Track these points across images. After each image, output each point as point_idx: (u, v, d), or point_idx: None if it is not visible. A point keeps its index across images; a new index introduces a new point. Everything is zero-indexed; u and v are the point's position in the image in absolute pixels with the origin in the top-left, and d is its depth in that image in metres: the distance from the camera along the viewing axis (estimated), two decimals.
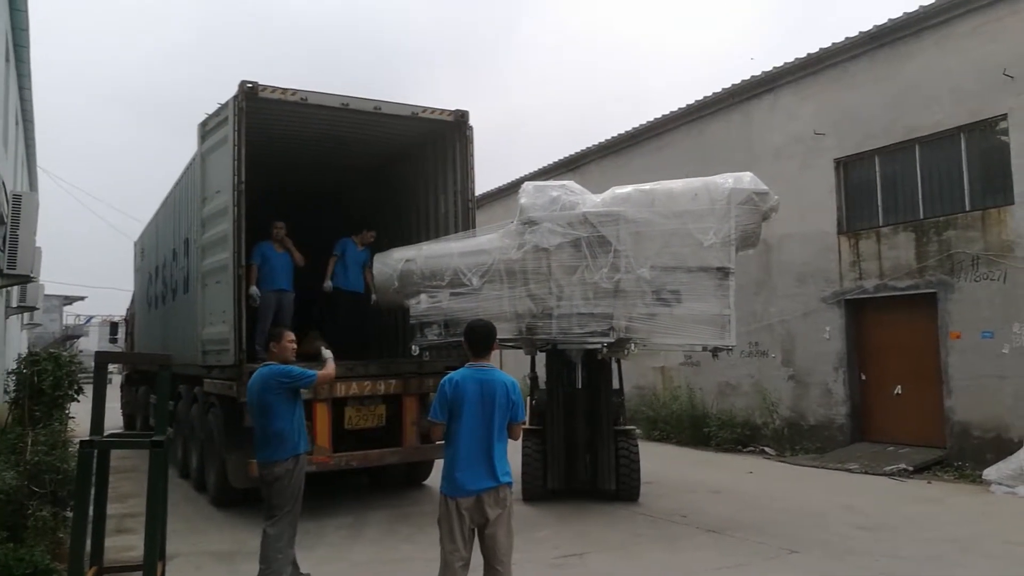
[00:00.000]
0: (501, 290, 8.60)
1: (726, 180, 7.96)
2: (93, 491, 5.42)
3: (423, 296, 9.11)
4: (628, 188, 8.36)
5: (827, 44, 12.91)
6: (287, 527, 5.69)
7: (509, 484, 4.71)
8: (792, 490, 9.89)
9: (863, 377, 12.72)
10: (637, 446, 9.22)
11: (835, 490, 9.83)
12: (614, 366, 10.14)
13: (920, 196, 11.93)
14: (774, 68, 13.86)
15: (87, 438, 5.20)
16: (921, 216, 11.85)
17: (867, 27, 12.27)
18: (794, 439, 13.24)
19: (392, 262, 9.57)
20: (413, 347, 9.16)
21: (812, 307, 13.23)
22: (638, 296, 7.92)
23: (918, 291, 11.67)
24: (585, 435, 9.15)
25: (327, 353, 6.45)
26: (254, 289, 9.33)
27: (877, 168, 12.57)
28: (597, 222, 8.10)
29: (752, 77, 14.26)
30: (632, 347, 8.05)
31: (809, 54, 13.21)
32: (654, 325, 7.94)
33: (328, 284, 10.14)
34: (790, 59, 13.56)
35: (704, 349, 8.20)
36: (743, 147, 14.43)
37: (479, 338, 4.88)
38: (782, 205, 13.42)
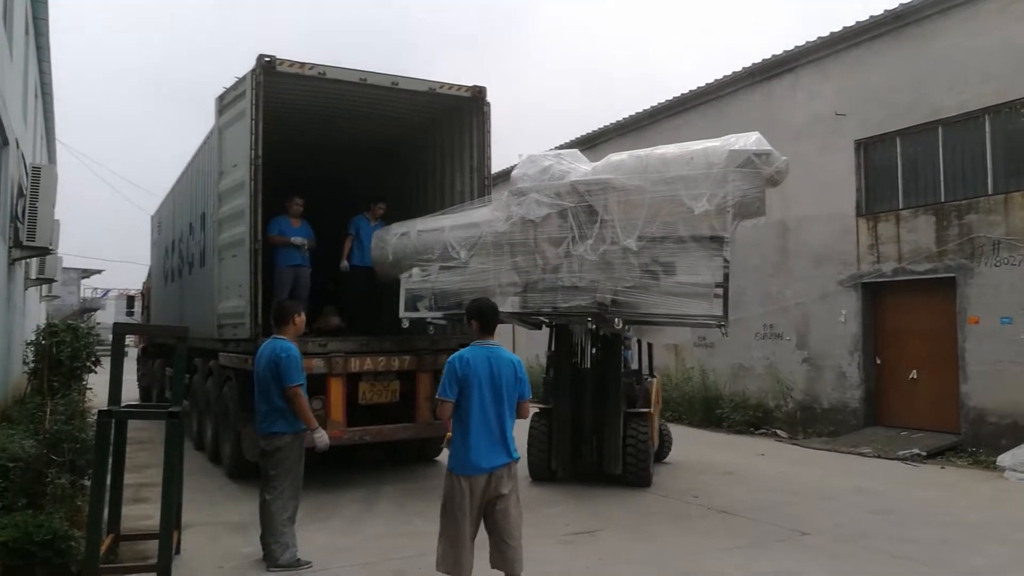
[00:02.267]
0: (487, 263, 8.46)
1: (726, 142, 7.40)
2: (111, 460, 5.49)
3: (415, 270, 9.14)
4: (623, 155, 8.00)
5: (850, 23, 12.70)
6: (290, 500, 5.76)
7: (518, 460, 4.75)
8: (804, 473, 9.87)
9: (878, 361, 12.64)
10: (647, 430, 8.81)
11: (847, 473, 9.80)
12: (634, 346, 10.05)
13: (942, 179, 11.76)
14: (795, 47, 13.66)
15: (105, 408, 5.26)
16: (942, 199, 11.69)
17: (892, 5, 12.06)
18: (807, 422, 13.20)
19: (389, 237, 9.63)
20: (403, 320, 9.17)
21: (829, 290, 13.12)
22: (625, 268, 7.57)
23: (937, 275, 11.55)
24: (592, 416, 8.89)
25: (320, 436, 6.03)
26: (297, 239, 9.75)
27: (898, 150, 12.39)
28: (585, 191, 7.79)
29: (773, 56, 14.07)
30: (618, 322, 7.78)
31: (832, 33, 13.01)
32: (641, 299, 7.57)
33: (345, 264, 10.17)
34: (812, 38, 13.36)
35: (714, 324, 7.68)
36: (762, 127, 14.06)
37: (487, 315, 4.89)
38: (801, 186, 13.42)
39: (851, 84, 12.88)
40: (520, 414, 4.83)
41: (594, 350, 8.98)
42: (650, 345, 10.83)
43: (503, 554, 4.70)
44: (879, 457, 10.87)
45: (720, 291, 7.23)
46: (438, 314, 8.94)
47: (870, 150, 12.84)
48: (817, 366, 13.33)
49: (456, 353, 4.79)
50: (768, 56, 14.19)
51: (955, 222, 11.34)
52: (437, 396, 4.77)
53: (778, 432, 13.28)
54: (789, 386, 13.56)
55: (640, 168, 7.64)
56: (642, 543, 6.62)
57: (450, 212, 9.25)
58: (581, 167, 8.10)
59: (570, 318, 8.28)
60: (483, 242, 8.49)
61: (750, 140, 7.27)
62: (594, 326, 8.23)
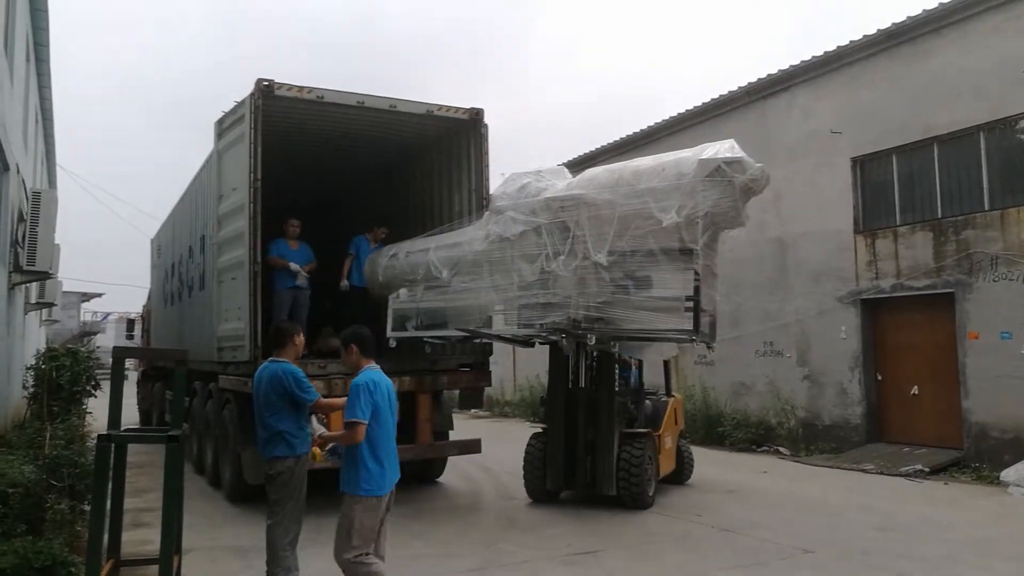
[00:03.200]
0: (468, 282, 8.47)
1: (698, 151, 7.18)
2: (110, 485, 5.48)
3: (402, 290, 9.22)
4: (599, 169, 7.93)
5: (844, 42, 12.83)
6: (292, 524, 5.73)
7: None
8: (807, 490, 9.83)
9: (879, 377, 12.63)
10: (642, 451, 8.50)
11: (850, 490, 9.76)
12: (633, 364, 9.93)
13: (938, 195, 11.82)
14: (791, 66, 13.78)
15: (104, 432, 5.25)
16: (939, 215, 11.75)
17: (885, 25, 12.18)
18: (809, 439, 13.17)
19: (380, 259, 9.74)
20: (390, 340, 9.18)
21: (828, 306, 13.14)
22: (596, 284, 7.46)
23: (936, 291, 11.57)
24: (585, 436, 8.65)
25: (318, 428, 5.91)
26: (294, 266, 9.71)
27: (894, 167, 12.47)
28: (558, 207, 7.74)
29: (768, 76, 14.19)
30: (591, 338, 7.68)
31: (826, 52, 13.13)
32: (613, 314, 7.43)
33: (345, 284, 10.22)
34: (807, 57, 13.49)
35: (685, 339, 7.57)
36: (759, 146, 14.28)
37: (368, 340, 5.23)
38: (798, 204, 13.52)
39: (846, 102, 12.99)
40: None
41: (590, 369, 8.90)
42: (666, 363, 10.70)
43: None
44: (882, 473, 10.83)
45: (690, 304, 7.01)
46: (424, 334, 8.99)
47: (866, 167, 12.91)
48: (818, 383, 13.32)
49: (362, 376, 4.94)
50: (763, 76, 14.32)
51: (952, 238, 11.39)
52: (351, 419, 4.80)
53: (780, 449, 13.24)
54: (790, 403, 13.54)
55: (612, 182, 7.52)
56: (644, 563, 6.58)
57: (438, 233, 9.30)
58: (558, 184, 8.02)
59: (547, 335, 8.22)
60: (463, 261, 8.51)
61: (722, 148, 7.08)
62: (565, 343, 8.15)
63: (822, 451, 12.74)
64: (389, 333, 9.17)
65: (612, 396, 8.60)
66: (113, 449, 5.18)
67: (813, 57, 13.36)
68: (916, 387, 12.09)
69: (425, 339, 9.15)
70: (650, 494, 8.60)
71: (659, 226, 7.02)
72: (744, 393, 14.58)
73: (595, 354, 8.68)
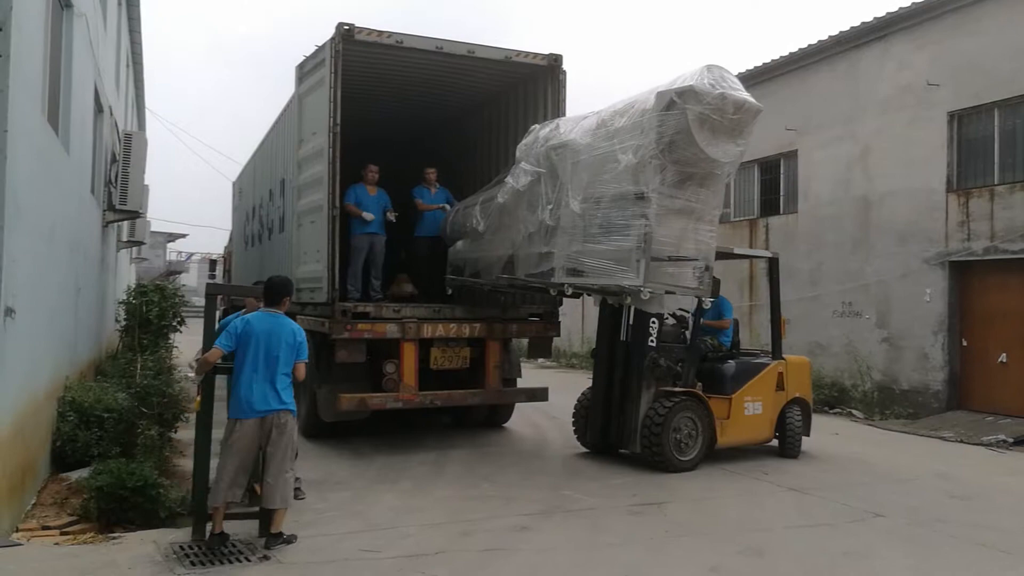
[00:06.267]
0: (496, 234, 8.53)
1: (666, 84, 6.55)
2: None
3: (460, 242, 9.44)
4: (591, 112, 7.58)
5: None
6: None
7: (290, 410, 5.53)
8: (880, 454, 9.61)
9: (964, 343, 12.14)
10: (668, 411, 7.92)
11: (927, 457, 9.50)
12: (670, 317, 9.37)
13: None
14: (887, 14, 13.03)
15: None
16: None
17: None
18: (884, 403, 12.82)
19: (450, 213, 9.97)
20: (448, 288, 9.64)
21: (913, 268, 12.63)
22: (572, 232, 7.21)
23: None
24: (619, 392, 8.33)
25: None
26: (367, 215, 9.67)
27: (996, 122, 11.75)
28: (555, 156, 7.58)
29: (862, 23, 13.47)
30: (568, 289, 7.51)
31: None
32: (583, 264, 7.14)
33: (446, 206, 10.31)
34: (906, 3, 12.72)
35: (629, 292, 6.99)
36: (848, 97, 13.75)
37: (266, 290, 5.71)
38: (886, 160, 12.96)
39: (946, 53, 12.24)
40: (295, 374, 5.59)
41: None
42: (775, 322, 9.80)
43: (263, 489, 5.41)
44: (961, 442, 10.48)
45: (640, 254, 6.57)
46: (460, 282, 9.40)
47: (964, 122, 12.21)
48: (897, 346, 12.89)
49: (242, 316, 5.60)
50: (857, 23, 13.60)
51: None
52: (216, 345, 5.43)
53: (854, 412, 12.95)
54: (867, 365, 13.17)
55: (595, 124, 7.17)
56: (709, 517, 6.58)
57: (491, 186, 9.32)
58: (564, 130, 7.78)
59: (542, 286, 8.18)
60: (493, 213, 8.56)
61: (685, 76, 6.41)
62: (555, 293, 8.21)
63: (898, 416, 12.39)
64: (448, 281, 9.68)
65: (643, 351, 8.13)
66: (203, 379, 5.48)
67: (913, 3, 12.58)
68: (1004, 354, 11.58)
69: (452, 286, 9.63)
70: (686, 458, 8.08)
71: (621, 168, 6.64)
72: (819, 353, 14.22)
73: (639, 309, 8.12)
